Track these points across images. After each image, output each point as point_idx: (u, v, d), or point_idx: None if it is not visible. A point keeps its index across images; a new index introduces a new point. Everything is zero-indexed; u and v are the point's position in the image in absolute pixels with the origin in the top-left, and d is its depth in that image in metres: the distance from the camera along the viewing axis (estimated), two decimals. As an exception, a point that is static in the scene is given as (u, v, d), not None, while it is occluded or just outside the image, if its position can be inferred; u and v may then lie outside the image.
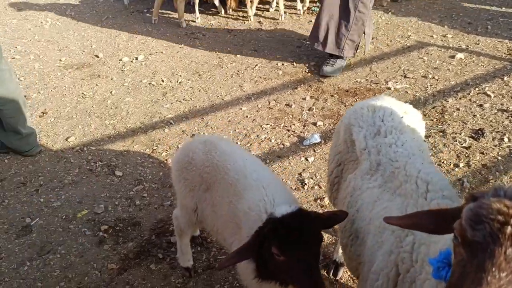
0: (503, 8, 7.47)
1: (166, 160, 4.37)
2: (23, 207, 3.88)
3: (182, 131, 4.79)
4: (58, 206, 3.87)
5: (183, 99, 5.37)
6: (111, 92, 5.56)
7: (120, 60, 6.37)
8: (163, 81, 5.78)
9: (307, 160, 4.25)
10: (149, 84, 5.73)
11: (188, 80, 5.80)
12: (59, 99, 5.47)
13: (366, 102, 2.47)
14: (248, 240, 1.98)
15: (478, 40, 6.33)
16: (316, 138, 4.46)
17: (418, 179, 1.89)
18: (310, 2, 7.80)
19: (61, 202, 3.92)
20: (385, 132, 2.22)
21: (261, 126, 4.77)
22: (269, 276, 2.02)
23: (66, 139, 4.72)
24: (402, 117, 2.31)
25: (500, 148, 4.16)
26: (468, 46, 6.19)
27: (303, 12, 7.69)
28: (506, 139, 4.24)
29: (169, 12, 7.97)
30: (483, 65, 5.64)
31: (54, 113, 5.19)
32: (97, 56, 6.51)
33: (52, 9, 8.27)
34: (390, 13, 7.54)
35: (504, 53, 5.91)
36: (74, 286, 3.17)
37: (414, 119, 2.39)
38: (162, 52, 6.57)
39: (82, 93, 5.57)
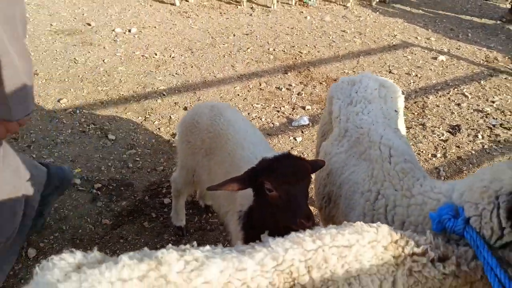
0: (483, 19, 7.87)
1: (159, 128, 4.46)
2: (14, 161, 3.89)
3: (175, 103, 4.89)
4: (51, 162, 3.92)
5: (176, 73, 5.46)
6: (103, 60, 5.59)
7: (113, 30, 6.39)
8: (156, 54, 5.85)
9: (295, 139, 4.43)
10: (142, 56, 5.79)
11: (181, 56, 5.88)
12: (50, 62, 5.46)
13: (348, 77, 2.65)
14: (242, 174, 2.03)
15: (459, 46, 6.67)
16: (305, 120, 4.66)
17: (381, 145, 2.06)
18: (302, -6, 7.99)
19: (54, 159, 3.97)
20: (356, 102, 2.40)
21: (252, 105, 4.92)
22: (257, 225, 2.10)
23: (58, 101, 4.74)
24: (376, 89, 2.48)
25: (474, 144, 4.46)
26: (449, 50, 6.52)
27: (295, 3, 7.86)
28: (480, 136, 4.54)
29: (163, -11, 8.00)
30: (463, 69, 5.97)
31: (46, 75, 5.19)
32: (89, 25, 6.50)
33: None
34: (378, 13, 7.82)
35: (482, 59, 6.27)
36: (68, 237, 3.25)
37: (389, 92, 2.54)
38: (155, 27, 6.61)
39: (74, 58, 5.58)
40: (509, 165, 1.44)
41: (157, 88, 5.12)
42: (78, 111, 4.61)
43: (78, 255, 1.39)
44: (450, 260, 1.43)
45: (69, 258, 1.37)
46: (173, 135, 4.37)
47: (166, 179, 3.79)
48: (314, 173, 2.20)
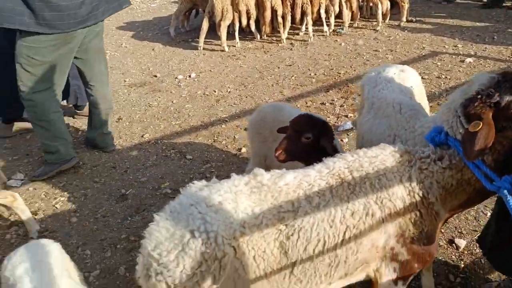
0: (508, 23, 8.41)
1: (227, 146, 5.34)
2: (116, 183, 4.86)
3: (236, 126, 5.79)
4: (145, 180, 4.85)
5: (234, 104, 6.40)
6: (172, 102, 6.64)
7: (176, 78, 7.50)
8: (215, 91, 6.84)
9: (342, 141, 5.16)
10: (203, 94, 6.80)
11: (236, 89, 6.85)
12: (130, 109, 6.56)
13: (374, 68, 3.44)
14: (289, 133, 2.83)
15: (485, 48, 7.25)
16: (349, 125, 5.39)
17: (394, 103, 2.81)
18: (334, 25, 8.87)
19: (147, 178, 4.90)
20: (379, 83, 3.15)
21: (301, 119, 5.72)
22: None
23: (142, 136, 5.76)
24: (395, 73, 3.23)
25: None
26: (476, 52, 7.11)
27: (329, 34, 8.76)
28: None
29: (212, 40, 9.13)
30: (490, 67, 6.53)
31: (128, 118, 6.27)
32: (155, 76, 7.66)
33: (109, 45, 9.54)
34: (406, 31, 8.55)
35: (508, 56, 6.81)
36: (168, 230, 4.09)
37: (406, 73, 3.29)
38: (210, 71, 7.68)
39: (148, 103, 6.66)
40: (461, 89, 2.16)
41: (220, 116, 6.05)
42: (159, 141, 5.59)
43: (204, 182, 2.21)
44: (445, 158, 2.13)
45: (199, 182, 2.19)
46: (239, 150, 5.23)
47: (239, 182, 4.60)
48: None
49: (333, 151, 2.71)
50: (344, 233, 2.05)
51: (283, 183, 2.08)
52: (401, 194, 2.08)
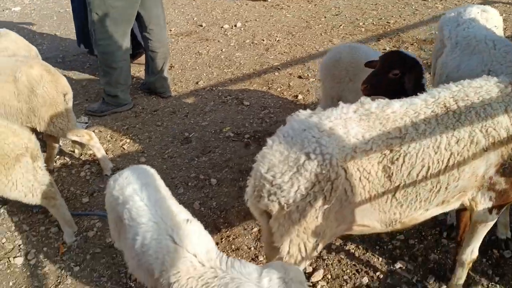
0: None
1: (282, 93, 5.41)
2: (178, 126, 5.02)
3: (289, 73, 5.84)
4: (206, 125, 4.99)
5: (284, 52, 6.42)
6: (221, 50, 6.69)
7: (222, 27, 7.50)
8: (263, 40, 6.85)
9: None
10: (252, 43, 6.82)
11: (284, 39, 6.84)
12: (180, 57, 6.64)
13: (454, 9, 3.42)
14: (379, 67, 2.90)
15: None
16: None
17: (486, 40, 2.84)
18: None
19: (208, 122, 5.04)
20: (462, 23, 3.15)
21: (355, 67, 5.74)
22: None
23: (196, 83, 5.86)
24: (478, 12, 3.22)
25: None
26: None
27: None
28: None
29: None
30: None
31: (180, 66, 6.36)
32: (201, 26, 7.67)
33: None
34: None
35: None
36: (236, 169, 4.26)
37: (489, 14, 3.28)
38: (256, 20, 7.65)
39: (198, 51, 6.73)
40: None
41: (272, 64, 6.09)
42: (214, 88, 5.70)
43: (309, 111, 2.31)
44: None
45: (305, 111, 2.29)
46: (296, 96, 5.30)
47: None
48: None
49: (415, 91, 2.75)
50: (448, 159, 2.14)
51: (391, 110, 2.16)
52: (505, 124, 2.15)
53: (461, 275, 2.73)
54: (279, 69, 5.97)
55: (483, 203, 2.34)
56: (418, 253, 3.25)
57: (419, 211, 2.30)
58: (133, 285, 3.19)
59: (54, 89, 3.84)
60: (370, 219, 2.29)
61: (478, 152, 2.15)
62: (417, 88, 2.77)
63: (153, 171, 2.81)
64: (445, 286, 2.98)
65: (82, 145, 4.36)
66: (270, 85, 5.63)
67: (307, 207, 2.13)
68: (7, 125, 3.20)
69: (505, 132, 2.15)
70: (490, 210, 2.36)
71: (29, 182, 3.29)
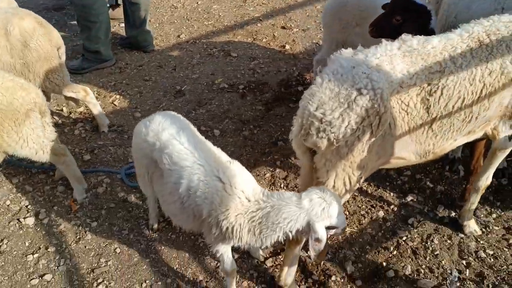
0: None
1: (269, 43, 5.42)
2: (168, 80, 4.94)
3: (272, 24, 5.83)
4: (196, 77, 4.94)
5: (262, 3, 6.37)
6: (197, 3, 6.53)
7: (192, -21, 7.27)
8: (239, -9, 6.74)
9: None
10: (228, -6, 6.69)
11: (260, -10, 6.76)
12: (154, 11, 6.42)
13: None
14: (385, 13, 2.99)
15: None
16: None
17: None
18: None
19: (198, 74, 4.99)
20: None
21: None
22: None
23: (178, 36, 5.73)
24: None
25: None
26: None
27: None
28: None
29: None
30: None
31: (156, 20, 6.17)
32: (170, -22, 7.39)
33: None
34: None
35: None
36: (236, 120, 4.29)
37: None
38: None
39: (172, 5, 6.53)
40: None
41: (253, 16, 6.04)
42: (197, 41, 5.60)
43: (351, 49, 2.36)
44: None
45: (347, 50, 2.35)
46: (283, 46, 5.33)
47: (292, 77, 4.77)
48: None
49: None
50: (481, 90, 2.30)
51: (431, 46, 2.27)
52: (531, 55, 2.32)
53: (475, 200, 2.98)
54: (260, 20, 5.93)
55: (504, 131, 2.54)
56: (426, 186, 3.49)
57: (450, 141, 2.47)
58: (155, 235, 3.23)
59: (48, 42, 3.66)
60: (407, 151, 2.43)
61: (507, 82, 2.32)
62: (425, 33, 2.89)
63: (182, 116, 2.79)
64: (453, 213, 3.25)
65: (76, 101, 4.22)
66: (254, 36, 5.60)
67: (355, 142, 2.23)
68: (14, 78, 3.05)
69: (530, 63, 2.33)
70: (510, 138, 2.57)
71: (39, 139, 3.18)
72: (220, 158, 2.46)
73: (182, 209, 2.46)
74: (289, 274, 2.76)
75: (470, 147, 3.09)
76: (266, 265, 3.01)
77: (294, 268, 2.77)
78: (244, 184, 2.31)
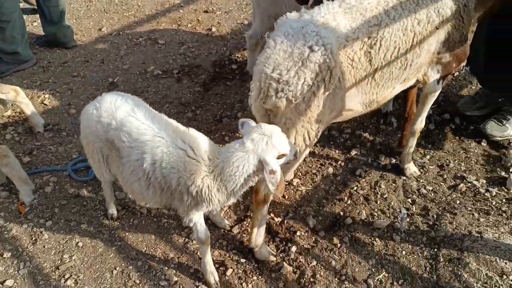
0: None
1: (195, 28, 5.46)
2: (98, 74, 4.81)
3: (194, 10, 5.87)
4: (127, 67, 4.86)
5: (181, -10, 6.36)
6: (113, -5, 6.36)
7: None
8: (153, -20, 6.66)
9: None
10: (142, -16, 6.59)
11: (175, -23, 6.74)
12: (68, 6, 6.12)
13: None
14: None
15: None
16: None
17: None
18: None
19: (129, 65, 4.91)
20: None
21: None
22: None
23: (99, 30, 5.57)
24: None
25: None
26: None
27: None
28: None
29: None
30: None
31: (72, 16, 5.92)
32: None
33: None
34: None
35: None
36: (176, 103, 4.31)
37: None
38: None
39: (86, -1, 6.31)
40: None
41: (174, 3, 6.03)
42: (121, 33, 5.49)
43: (295, 13, 2.52)
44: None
45: (292, 13, 2.50)
46: (209, 29, 5.40)
47: (224, 57, 4.87)
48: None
49: None
50: (413, 39, 2.58)
51: (367, 2, 2.49)
52: (450, 4, 2.63)
53: (412, 144, 3.31)
54: (182, 6, 5.94)
55: (433, 75, 2.86)
56: (366, 140, 3.79)
57: (389, 89, 2.74)
58: (117, 223, 3.20)
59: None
60: (355, 102, 2.66)
61: (432, 30, 2.62)
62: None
63: (130, 94, 2.78)
64: (394, 160, 3.58)
65: (4, 105, 4.00)
66: (179, 23, 5.61)
67: (312, 97, 2.40)
68: None
69: (450, 11, 2.64)
70: (438, 81, 2.90)
71: (-22, 142, 3.00)
72: (178, 128, 2.51)
73: (148, 184, 2.47)
74: (259, 235, 2.89)
75: (402, 98, 3.41)
76: (233, 232, 3.12)
77: (263, 229, 2.91)
78: (203, 147, 2.38)
